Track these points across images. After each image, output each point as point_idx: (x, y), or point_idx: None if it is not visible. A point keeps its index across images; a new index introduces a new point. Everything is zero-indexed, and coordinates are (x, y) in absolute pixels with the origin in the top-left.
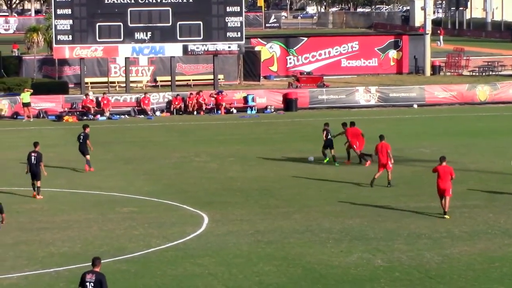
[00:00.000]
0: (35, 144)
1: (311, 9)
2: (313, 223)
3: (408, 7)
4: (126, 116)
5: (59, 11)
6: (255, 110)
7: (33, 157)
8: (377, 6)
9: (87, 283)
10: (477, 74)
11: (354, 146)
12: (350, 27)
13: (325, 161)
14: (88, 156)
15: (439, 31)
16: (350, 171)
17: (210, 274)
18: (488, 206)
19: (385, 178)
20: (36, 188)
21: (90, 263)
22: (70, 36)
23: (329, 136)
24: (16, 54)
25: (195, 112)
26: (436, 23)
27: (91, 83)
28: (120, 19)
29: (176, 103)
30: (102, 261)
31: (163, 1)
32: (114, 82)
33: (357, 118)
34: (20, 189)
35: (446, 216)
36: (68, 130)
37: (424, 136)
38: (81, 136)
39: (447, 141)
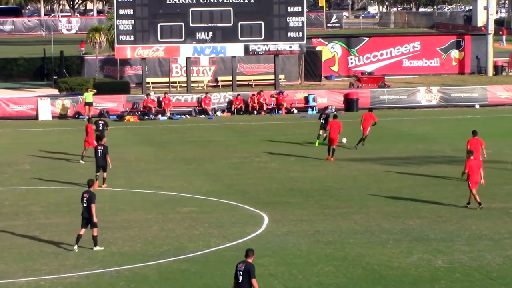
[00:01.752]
0: (101, 138)
1: (373, 9)
2: (372, 223)
3: (471, 7)
4: (187, 116)
5: (121, 11)
6: (316, 110)
7: (99, 151)
8: (439, 6)
9: (238, 272)
10: None
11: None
12: (412, 27)
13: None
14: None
15: (501, 31)
16: (410, 171)
17: (270, 274)
18: None
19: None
20: (102, 179)
21: (150, 263)
22: (132, 36)
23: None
24: (81, 54)
25: (255, 112)
26: (498, 23)
27: (153, 83)
28: (182, 19)
29: (237, 103)
30: (162, 261)
31: (225, 1)
32: (175, 82)
33: (419, 119)
34: (83, 188)
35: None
36: (129, 130)
37: (486, 137)
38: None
39: (509, 141)
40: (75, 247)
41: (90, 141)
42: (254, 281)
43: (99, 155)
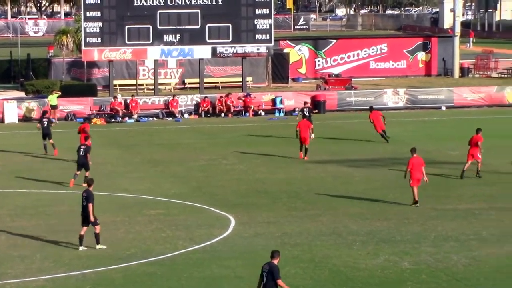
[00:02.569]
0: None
1: (340, 11)
2: (339, 225)
3: (438, 9)
4: (154, 118)
5: (88, 14)
6: (283, 112)
7: (82, 150)
8: (406, 8)
9: (263, 273)
10: (506, 76)
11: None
12: (379, 29)
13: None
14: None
15: (468, 34)
16: (377, 173)
17: (237, 276)
18: None
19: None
20: (84, 177)
21: (116, 266)
22: (99, 39)
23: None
24: (49, 56)
25: (223, 115)
26: (465, 25)
27: (120, 85)
28: (149, 22)
29: (205, 105)
30: (129, 264)
31: (192, 3)
32: (142, 85)
33: (386, 120)
34: (50, 191)
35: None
36: (96, 133)
37: (452, 139)
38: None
39: None
40: (80, 248)
41: (81, 141)
42: (279, 281)
43: (81, 153)
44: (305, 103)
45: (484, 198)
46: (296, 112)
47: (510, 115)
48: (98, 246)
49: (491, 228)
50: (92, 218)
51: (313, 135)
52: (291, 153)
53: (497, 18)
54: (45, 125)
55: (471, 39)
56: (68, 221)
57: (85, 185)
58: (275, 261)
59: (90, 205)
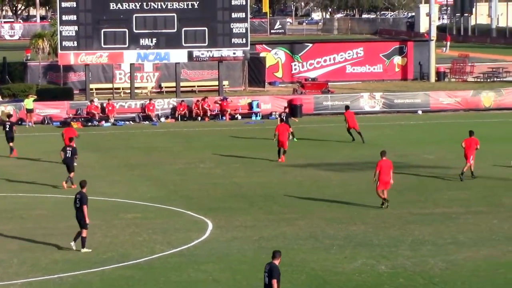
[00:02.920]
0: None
1: (316, 15)
2: (316, 229)
3: (413, 14)
4: (130, 122)
5: (64, 17)
6: (260, 116)
7: (68, 151)
8: (382, 12)
9: (265, 273)
10: (481, 80)
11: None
12: (355, 33)
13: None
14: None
15: (445, 38)
16: (354, 177)
17: (215, 280)
18: (492, 212)
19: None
20: (68, 179)
21: (94, 270)
22: (75, 42)
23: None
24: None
25: (199, 118)
26: (441, 29)
27: (96, 89)
28: (126, 25)
29: (181, 109)
30: (106, 267)
31: (169, 7)
32: (119, 88)
33: (362, 124)
34: (26, 195)
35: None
36: None
37: (429, 142)
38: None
39: (451, 147)
40: (84, 249)
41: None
42: (273, 281)
43: (68, 155)
44: (285, 108)
45: (461, 202)
46: (273, 116)
47: (486, 119)
48: (83, 250)
49: (468, 232)
50: (87, 220)
51: (295, 139)
52: (268, 157)
53: (472, 22)
54: (7, 129)
55: (447, 43)
56: (44, 225)
57: (69, 187)
58: (276, 262)
59: (85, 206)
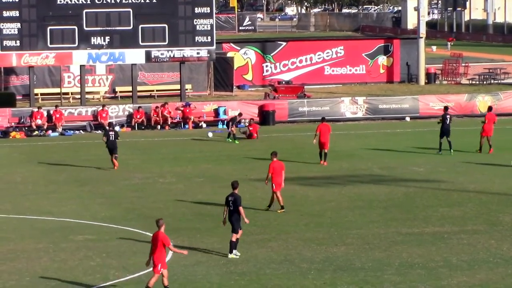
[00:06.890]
0: (110, 123)
1: (291, 10)
2: (292, 251)
3: (400, 8)
4: (81, 131)
5: (5, 14)
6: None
7: (111, 135)
8: (364, 6)
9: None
10: (477, 82)
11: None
12: (335, 30)
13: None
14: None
15: (448, 38)
16: (333, 192)
17: None
18: (489, 232)
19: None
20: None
21: None
22: (18, 42)
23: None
24: None
25: (159, 127)
26: (431, 25)
27: (42, 94)
28: (75, 22)
29: (138, 116)
30: None
31: (123, 1)
32: (67, 93)
33: (343, 133)
34: None
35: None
36: (15, 148)
37: (418, 153)
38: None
39: (443, 158)
40: (231, 255)
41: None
42: (240, 208)
43: (111, 138)
44: (240, 114)
45: (454, 220)
46: (242, 124)
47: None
48: (230, 255)
49: (462, 254)
50: (246, 220)
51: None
52: (236, 171)
53: (466, 17)
54: None
55: (449, 43)
56: None
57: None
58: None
59: (241, 208)
